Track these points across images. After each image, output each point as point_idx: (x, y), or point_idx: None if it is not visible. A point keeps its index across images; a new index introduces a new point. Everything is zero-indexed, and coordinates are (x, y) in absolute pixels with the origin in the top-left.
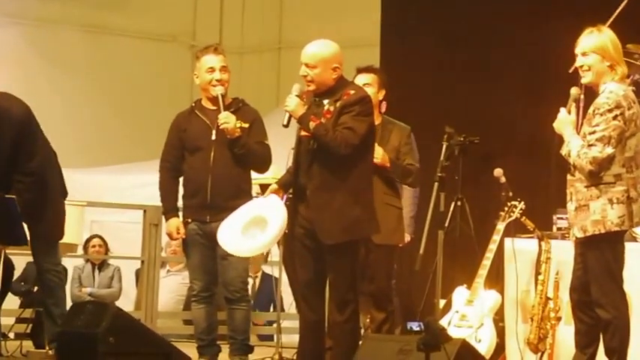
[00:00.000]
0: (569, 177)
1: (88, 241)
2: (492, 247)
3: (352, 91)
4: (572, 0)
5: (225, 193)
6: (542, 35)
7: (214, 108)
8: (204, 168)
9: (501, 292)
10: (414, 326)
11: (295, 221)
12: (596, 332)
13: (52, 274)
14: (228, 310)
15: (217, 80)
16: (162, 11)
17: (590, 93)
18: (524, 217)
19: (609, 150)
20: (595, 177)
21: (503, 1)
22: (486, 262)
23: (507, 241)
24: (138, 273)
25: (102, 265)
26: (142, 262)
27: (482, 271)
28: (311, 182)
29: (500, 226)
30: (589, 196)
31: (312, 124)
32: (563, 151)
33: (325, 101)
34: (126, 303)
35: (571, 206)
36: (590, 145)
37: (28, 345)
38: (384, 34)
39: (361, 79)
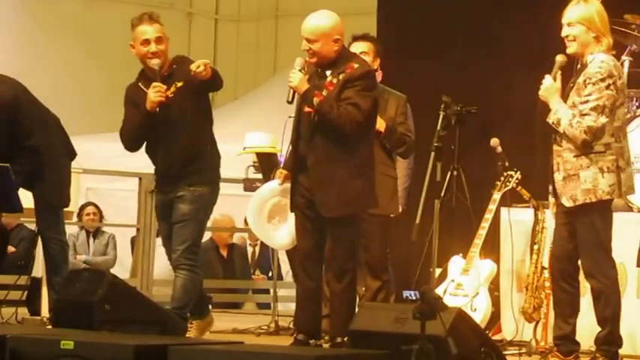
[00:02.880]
0: (555, 147)
1: (82, 208)
2: (488, 216)
3: (356, 65)
4: None
5: (178, 161)
6: (541, 4)
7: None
8: (157, 140)
9: (497, 261)
10: (410, 295)
11: (296, 191)
12: (578, 302)
13: (53, 243)
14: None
15: (152, 53)
16: None
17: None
18: (520, 187)
19: (603, 119)
20: (588, 146)
21: None
22: (482, 231)
23: (503, 210)
24: (133, 241)
25: (97, 233)
26: (138, 229)
27: (478, 241)
28: (312, 154)
29: (497, 196)
30: (579, 166)
31: (316, 100)
32: (551, 119)
33: (328, 72)
34: (121, 271)
35: (559, 176)
36: (583, 115)
37: (23, 312)
38: (381, 2)
39: (357, 48)
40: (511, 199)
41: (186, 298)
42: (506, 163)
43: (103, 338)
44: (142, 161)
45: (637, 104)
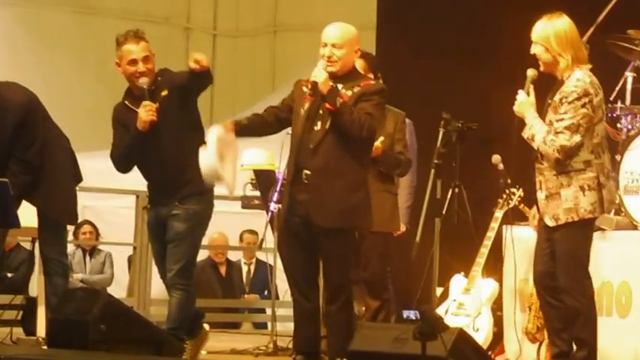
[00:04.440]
0: (537, 165)
1: (78, 227)
2: (490, 234)
3: (372, 82)
4: None
5: (169, 175)
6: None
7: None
8: (148, 156)
9: (499, 280)
10: (410, 315)
11: (291, 210)
12: (568, 315)
13: (54, 264)
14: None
15: (140, 72)
16: None
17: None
18: (522, 205)
19: (577, 138)
20: (562, 165)
21: None
22: (484, 250)
23: (505, 228)
24: (131, 259)
25: (93, 251)
26: (135, 248)
27: (480, 259)
28: (314, 162)
29: (499, 214)
30: (560, 184)
31: (339, 100)
32: (526, 134)
33: (339, 85)
34: (117, 290)
35: (541, 195)
36: (557, 133)
37: (18, 332)
38: (381, 18)
39: (357, 63)
40: (513, 216)
41: (181, 319)
42: (508, 180)
43: (97, 359)
44: (138, 179)
45: None
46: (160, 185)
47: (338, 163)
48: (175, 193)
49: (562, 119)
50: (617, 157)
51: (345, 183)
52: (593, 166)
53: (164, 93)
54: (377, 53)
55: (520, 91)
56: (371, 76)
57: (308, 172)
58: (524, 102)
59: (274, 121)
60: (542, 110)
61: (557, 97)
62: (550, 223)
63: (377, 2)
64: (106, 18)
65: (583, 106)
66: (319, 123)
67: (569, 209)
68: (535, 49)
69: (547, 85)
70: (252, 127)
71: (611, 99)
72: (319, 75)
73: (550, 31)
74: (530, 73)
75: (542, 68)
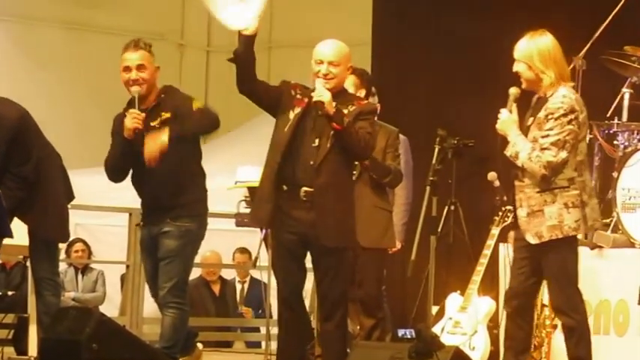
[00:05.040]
0: (517, 182)
1: (70, 245)
2: (486, 252)
3: (364, 101)
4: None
5: (164, 194)
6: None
7: (142, 108)
8: (142, 172)
9: (496, 298)
10: (406, 333)
11: (285, 227)
12: (531, 339)
13: (46, 282)
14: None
15: (133, 80)
16: (149, 9)
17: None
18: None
19: (563, 154)
20: (547, 181)
21: (497, 4)
22: (480, 267)
23: (502, 246)
24: (123, 278)
25: (85, 270)
26: (127, 266)
27: (476, 277)
28: (317, 181)
29: (495, 231)
30: (543, 202)
31: (346, 120)
32: (509, 152)
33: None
34: (110, 308)
35: (522, 212)
36: (543, 149)
37: (9, 351)
38: (375, 34)
39: (350, 80)
40: (510, 234)
41: (175, 337)
42: (505, 198)
43: None
44: (131, 197)
45: (638, 138)
46: (154, 203)
47: (340, 183)
48: (169, 211)
49: (548, 135)
50: (614, 174)
51: (345, 202)
52: (577, 184)
53: (166, 115)
54: (372, 69)
55: (503, 110)
56: (363, 92)
57: (309, 189)
58: (507, 120)
59: (259, 83)
60: (522, 128)
61: (541, 114)
62: (532, 240)
63: (372, 18)
64: (98, 35)
65: (569, 122)
66: (317, 140)
67: (554, 226)
68: (517, 67)
69: (526, 103)
70: (250, 55)
71: (608, 115)
72: (325, 95)
73: (533, 49)
74: (513, 91)
75: (524, 86)
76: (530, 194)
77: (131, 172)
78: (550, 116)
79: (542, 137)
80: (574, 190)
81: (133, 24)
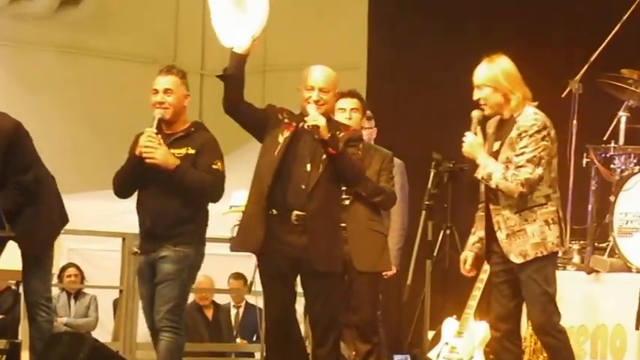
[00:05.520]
0: (492, 206)
1: (63, 269)
2: (483, 277)
3: (351, 127)
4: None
5: (164, 223)
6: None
7: (168, 132)
8: (148, 197)
9: None
10: (402, 359)
11: (276, 249)
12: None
13: (40, 309)
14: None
15: (159, 103)
16: (142, 32)
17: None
18: None
19: (539, 170)
20: (525, 198)
21: (493, 30)
22: (476, 292)
23: None
24: (116, 303)
25: (78, 295)
26: (121, 291)
27: (473, 302)
28: (309, 205)
29: None
30: (523, 221)
31: (340, 145)
32: (480, 174)
33: None
34: (103, 333)
35: (501, 235)
36: (519, 167)
37: None
38: (371, 57)
39: (345, 104)
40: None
41: None
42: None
43: None
44: (125, 222)
45: (635, 161)
46: (155, 231)
47: (331, 208)
48: (169, 239)
49: (523, 153)
50: (611, 199)
51: (337, 227)
52: (553, 200)
53: (191, 152)
54: (366, 93)
55: (468, 133)
56: (359, 115)
57: (300, 213)
58: (473, 143)
59: (246, 104)
60: (489, 153)
61: (513, 134)
62: (517, 260)
63: (367, 42)
64: (92, 58)
65: (543, 138)
66: (309, 165)
67: (537, 244)
68: (481, 93)
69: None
70: (241, 74)
71: (605, 139)
72: (320, 120)
73: (497, 71)
74: (476, 114)
75: (487, 112)
76: (508, 216)
77: (138, 195)
78: (524, 134)
79: (517, 155)
80: (552, 206)
81: (127, 48)
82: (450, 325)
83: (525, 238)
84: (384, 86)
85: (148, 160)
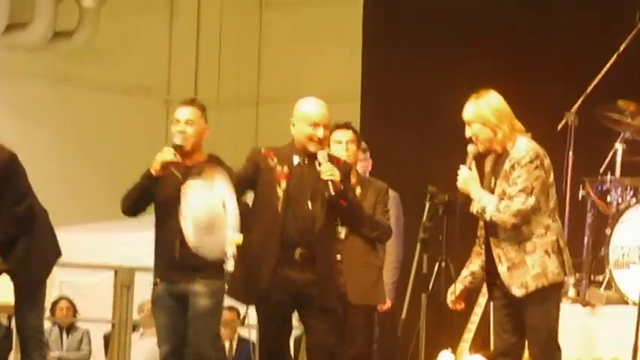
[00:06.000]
0: (492, 239)
1: (55, 303)
2: (478, 310)
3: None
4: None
5: (194, 253)
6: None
7: (188, 164)
8: (173, 225)
9: (487, 356)
10: None
11: (277, 287)
12: None
13: (33, 342)
14: None
15: (179, 132)
16: (135, 64)
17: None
18: None
19: (532, 201)
20: (523, 230)
21: (486, 65)
22: (472, 325)
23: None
24: (107, 338)
25: (70, 328)
26: (113, 325)
27: (468, 335)
28: (314, 242)
29: (486, 289)
30: (523, 252)
31: (350, 194)
32: (474, 209)
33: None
34: None
35: (502, 268)
36: (511, 198)
37: None
38: (365, 89)
39: (342, 136)
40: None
41: None
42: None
43: None
44: (117, 255)
45: (631, 193)
46: (184, 260)
47: (331, 244)
48: (200, 270)
49: (515, 183)
50: (607, 231)
51: (336, 261)
52: (553, 230)
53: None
54: (361, 125)
55: (462, 166)
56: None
57: (303, 251)
58: (468, 177)
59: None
60: (487, 189)
61: (507, 166)
62: (519, 292)
63: (361, 74)
64: (87, 90)
65: (536, 168)
66: (309, 203)
67: (538, 275)
68: (472, 130)
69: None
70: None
71: (601, 171)
72: (336, 174)
73: (484, 106)
74: (472, 148)
75: (481, 149)
76: (507, 248)
77: (158, 224)
78: (516, 165)
79: (510, 186)
80: (551, 236)
81: (120, 79)
82: (445, 358)
83: (525, 269)
84: (378, 118)
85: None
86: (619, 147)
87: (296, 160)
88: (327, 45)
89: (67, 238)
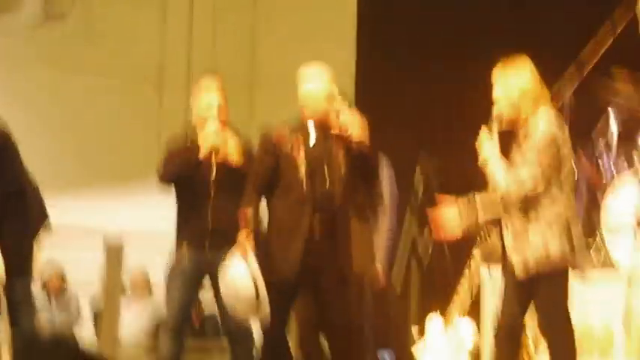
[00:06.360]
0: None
1: (44, 268)
2: (467, 273)
3: None
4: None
5: (226, 221)
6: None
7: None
8: (204, 196)
9: (476, 319)
10: (385, 355)
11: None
12: None
13: (22, 309)
14: (230, 344)
15: (211, 108)
16: (128, 48)
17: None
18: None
19: (541, 188)
20: (529, 201)
21: (482, 31)
22: (461, 288)
23: (483, 267)
24: (93, 303)
25: (59, 294)
26: (102, 290)
27: (457, 298)
28: (340, 218)
29: (476, 252)
30: (526, 222)
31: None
32: (490, 179)
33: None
34: (85, 330)
35: (508, 236)
36: (519, 171)
37: None
38: (360, 64)
39: None
40: (492, 255)
41: None
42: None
43: None
44: (106, 222)
45: (623, 160)
46: (214, 233)
47: (350, 208)
48: (227, 241)
49: (526, 162)
50: (599, 197)
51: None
52: (560, 203)
53: (236, 162)
54: (356, 98)
55: (483, 127)
56: None
57: (324, 226)
58: (486, 140)
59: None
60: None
61: (522, 140)
62: (519, 268)
63: (355, 73)
64: (78, 74)
65: (549, 149)
66: (326, 167)
67: (537, 247)
68: (496, 93)
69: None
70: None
71: (593, 138)
72: (356, 121)
73: (510, 73)
74: (497, 113)
75: (504, 114)
76: (514, 217)
77: (186, 201)
78: (531, 143)
79: (522, 167)
80: (558, 209)
81: (112, 63)
82: (434, 321)
83: (526, 239)
84: (373, 90)
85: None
86: (612, 113)
87: (310, 136)
88: (323, 43)
89: (56, 203)
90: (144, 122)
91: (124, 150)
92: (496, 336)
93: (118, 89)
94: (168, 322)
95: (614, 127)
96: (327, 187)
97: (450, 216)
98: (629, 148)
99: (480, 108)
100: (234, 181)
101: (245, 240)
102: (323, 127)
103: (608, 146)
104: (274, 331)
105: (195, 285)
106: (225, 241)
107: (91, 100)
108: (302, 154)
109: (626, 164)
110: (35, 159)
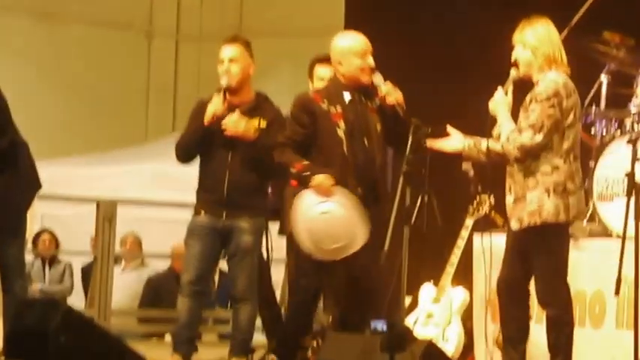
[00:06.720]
0: (508, 168)
1: (38, 235)
2: (460, 243)
3: None
4: None
5: (242, 192)
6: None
7: (236, 102)
8: (222, 163)
9: (470, 289)
10: (378, 325)
11: None
12: (527, 327)
13: (14, 276)
14: (234, 309)
15: (225, 71)
16: None
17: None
18: (493, 212)
19: (539, 138)
20: (523, 164)
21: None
22: (454, 258)
23: (476, 237)
24: (85, 270)
25: (52, 261)
26: (95, 258)
27: (450, 268)
28: (380, 180)
29: (469, 222)
30: (526, 187)
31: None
32: (495, 132)
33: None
34: (78, 300)
35: (510, 198)
36: (521, 130)
37: None
38: (349, 22)
39: (325, 72)
40: (485, 224)
41: (252, 329)
42: (479, 188)
43: None
44: (99, 187)
45: (616, 125)
46: (231, 196)
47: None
48: (246, 209)
49: (528, 117)
50: (591, 164)
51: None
52: (561, 171)
53: (263, 125)
54: None
55: (499, 89)
56: None
57: (364, 189)
58: (499, 100)
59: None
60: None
61: (528, 98)
62: (515, 225)
63: (345, 7)
64: (69, 24)
65: (551, 106)
66: (366, 140)
67: (533, 212)
68: (515, 52)
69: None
70: None
71: (586, 103)
72: (399, 93)
73: (528, 31)
74: (513, 72)
75: (521, 73)
76: (517, 179)
77: (206, 159)
78: (534, 99)
79: (524, 120)
80: (557, 177)
81: (101, 12)
82: (427, 290)
83: (524, 204)
84: None
85: (228, 133)
86: (604, 79)
87: (347, 97)
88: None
89: (49, 170)
90: (133, 69)
91: (114, 102)
92: (501, 304)
93: (107, 37)
94: (187, 275)
95: (605, 92)
96: (367, 145)
97: (455, 136)
98: (622, 115)
99: (475, 66)
100: (250, 150)
101: (324, 180)
102: (357, 86)
103: (601, 113)
104: (307, 296)
105: (214, 246)
106: (240, 209)
107: (81, 49)
108: (339, 110)
109: (619, 132)
110: (26, 111)
